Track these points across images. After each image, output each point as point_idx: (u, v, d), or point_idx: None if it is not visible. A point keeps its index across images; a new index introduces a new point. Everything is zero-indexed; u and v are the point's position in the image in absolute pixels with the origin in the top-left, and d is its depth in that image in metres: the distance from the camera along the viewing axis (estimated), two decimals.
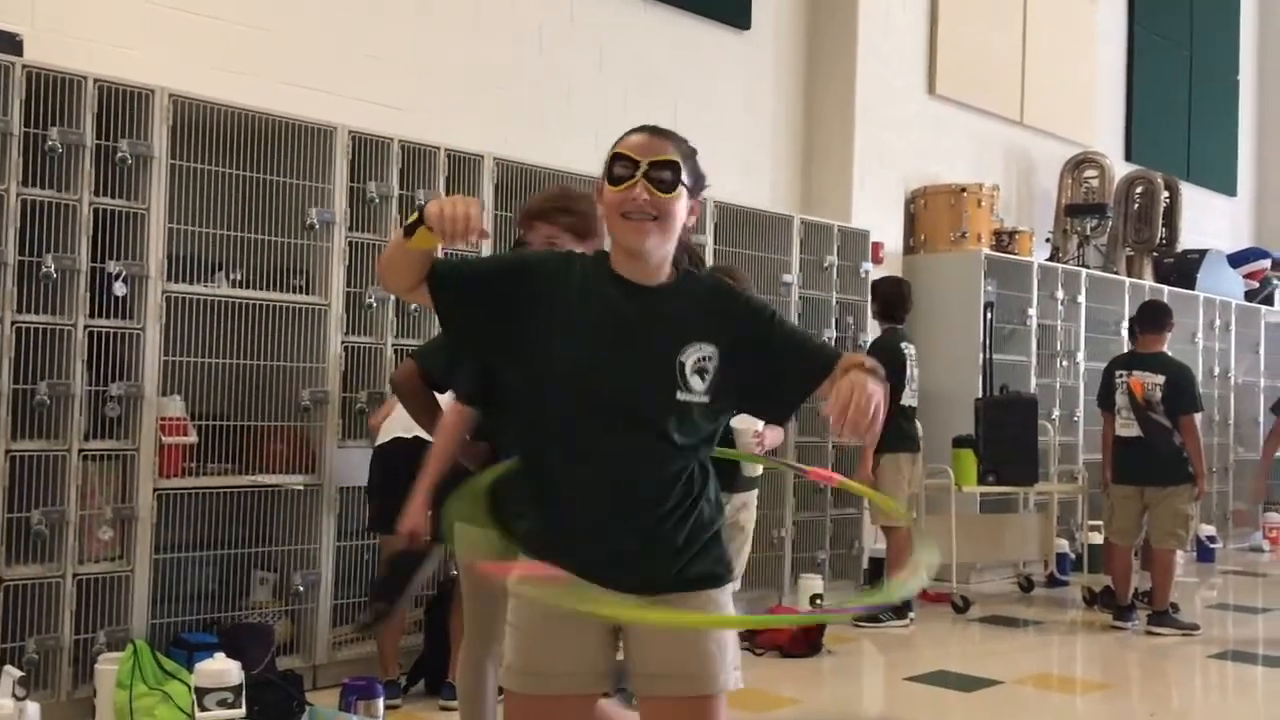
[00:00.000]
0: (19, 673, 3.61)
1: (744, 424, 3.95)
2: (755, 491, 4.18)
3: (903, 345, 6.25)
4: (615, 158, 2.08)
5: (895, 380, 6.14)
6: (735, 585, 4.10)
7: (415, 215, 1.98)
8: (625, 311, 2.08)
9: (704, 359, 2.07)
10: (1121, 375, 6.47)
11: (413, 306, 4.81)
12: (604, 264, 2.12)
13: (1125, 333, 8.44)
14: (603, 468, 2.04)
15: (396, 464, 4.25)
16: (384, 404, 4.55)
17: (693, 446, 2.09)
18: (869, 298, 6.67)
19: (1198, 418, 6.37)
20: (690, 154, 2.12)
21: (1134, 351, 6.61)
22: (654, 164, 2.06)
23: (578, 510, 2.08)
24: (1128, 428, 6.41)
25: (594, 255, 2.18)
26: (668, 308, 2.09)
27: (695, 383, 2.05)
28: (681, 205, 2.08)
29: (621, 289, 2.09)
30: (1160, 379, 6.35)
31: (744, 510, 4.10)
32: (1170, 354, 6.66)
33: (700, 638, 2.07)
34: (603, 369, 2.04)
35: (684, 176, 2.08)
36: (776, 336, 2.12)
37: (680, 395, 2.05)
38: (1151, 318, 6.64)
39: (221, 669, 3.84)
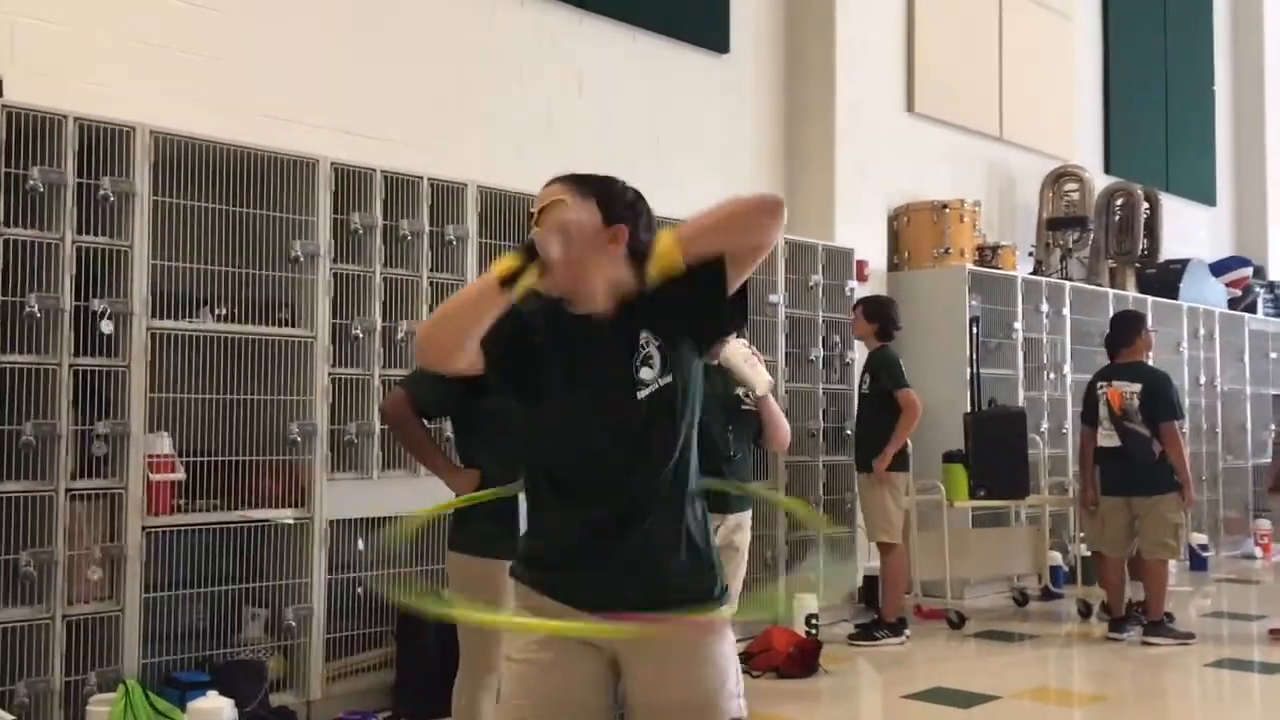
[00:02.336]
0: (10, 717, 3.57)
1: (731, 349, 3.93)
2: (749, 512, 4.17)
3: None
4: None
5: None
6: (732, 606, 4.12)
7: (517, 260, 1.96)
8: (581, 344, 2.11)
9: (645, 345, 2.10)
10: (1101, 387, 6.50)
11: (400, 335, 4.80)
12: (562, 304, 2.15)
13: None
14: (586, 493, 2.07)
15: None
16: None
17: (668, 449, 2.11)
18: (860, 316, 6.59)
19: (1178, 425, 6.39)
20: (598, 188, 2.14)
21: (1113, 363, 6.63)
22: (541, 210, 2.14)
23: (565, 535, 2.10)
24: (1109, 438, 6.43)
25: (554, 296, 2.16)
26: (609, 328, 2.11)
27: (645, 374, 2.10)
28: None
29: (577, 325, 2.12)
30: (1137, 387, 6.37)
31: (739, 531, 4.09)
32: (1148, 363, 6.69)
33: (700, 667, 2.07)
34: (573, 403, 2.11)
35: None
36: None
37: (640, 394, 2.09)
38: (1118, 330, 6.69)
39: (214, 707, 3.82)
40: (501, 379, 2.14)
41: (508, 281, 1.96)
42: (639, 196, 2.21)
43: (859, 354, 6.73)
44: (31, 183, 3.92)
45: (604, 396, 2.10)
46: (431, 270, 4.93)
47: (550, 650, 2.07)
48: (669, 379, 2.11)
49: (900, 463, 6.25)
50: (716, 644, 2.10)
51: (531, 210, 2.16)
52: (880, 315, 6.38)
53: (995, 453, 6.83)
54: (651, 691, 2.08)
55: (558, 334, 2.12)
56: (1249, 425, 10.36)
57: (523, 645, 2.09)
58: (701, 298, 2.07)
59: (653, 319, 2.11)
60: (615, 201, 2.15)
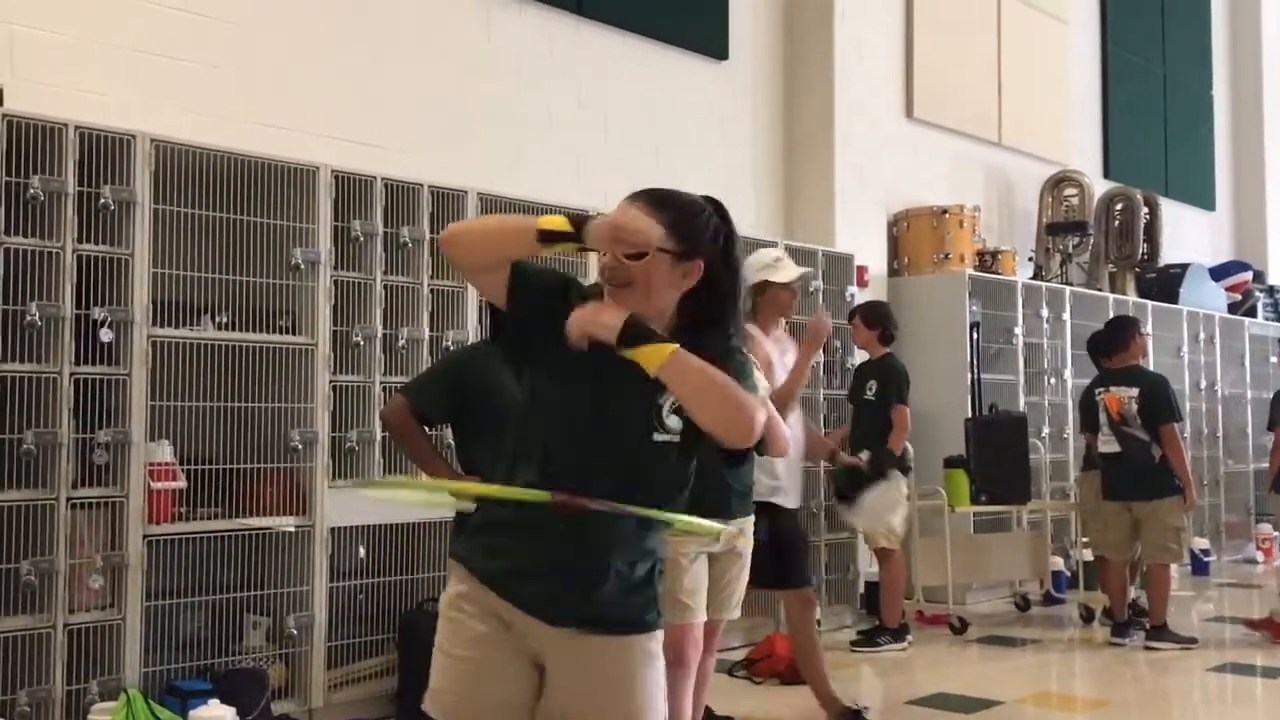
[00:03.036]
0: None
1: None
2: (751, 518, 4.14)
3: None
4: None
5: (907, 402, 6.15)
6: (734, 613, 4.09)
7: (564, 226, 1.97)
8: (611, 362, 2.02)
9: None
10: (1100, 393, 6.50)
11: (400, 342, 4.80)
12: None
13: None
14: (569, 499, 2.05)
15: None
16: None
17: (665, 491, 2.11)
18: (860, 324, 6.54)
19: (1178, 427, 6.38)
20: (682, 218, 2.10)
21: (1109, 369, 6.62)
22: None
23: (535, 537, 2.07)
24: (1108, 444, 6.43)
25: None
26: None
27: (673, 422, 2.07)
28: (658, 269, 2.05)
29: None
30: (1134, 391, 6.37)
31: (741, 537, 4.06)
32: (1145, 366, 6.67)
33: (623, 687, 2.08)
34: (582, 406, 2.07)
35: (665, 242, 2.05)
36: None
37: (657, 436, 2.07)
38: (1112, 335, 6.68)
39: (216, 716, 3.81)
40: (517, 326, 2.10)
41: (546, 237, 1.97)
42: (723, 223, 2.15)
43: (859, 360, 6.71)
44: (32, 191, 3.93)
45: (618, 423, 2.07)
46: (432, 277, 4.93)
47: (481, 649, 2.09)
48: (688, 430, 2.07)
49: (908, 466, 6.23)
50: (645, 669, 2.09)
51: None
52: (880, 320, 6.37)
53: (997, 458, 6.83)
54: (569, 700, 2.08)
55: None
56: (1249, 429, 10.35)
57: (456, 639, 2.12)
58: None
59: None
60: (696, 235, 2.10)
